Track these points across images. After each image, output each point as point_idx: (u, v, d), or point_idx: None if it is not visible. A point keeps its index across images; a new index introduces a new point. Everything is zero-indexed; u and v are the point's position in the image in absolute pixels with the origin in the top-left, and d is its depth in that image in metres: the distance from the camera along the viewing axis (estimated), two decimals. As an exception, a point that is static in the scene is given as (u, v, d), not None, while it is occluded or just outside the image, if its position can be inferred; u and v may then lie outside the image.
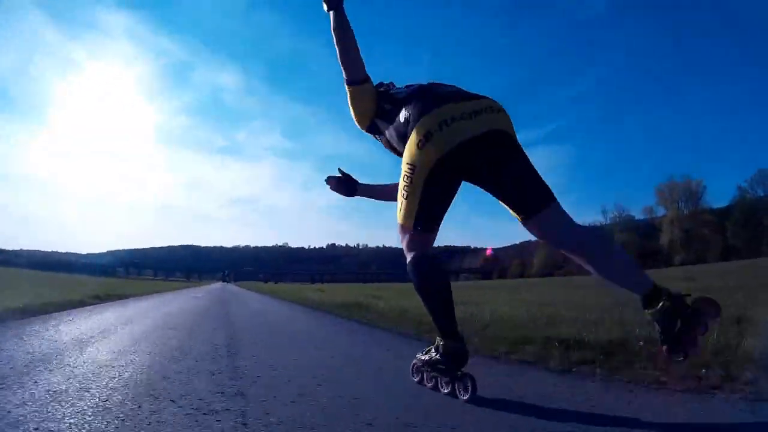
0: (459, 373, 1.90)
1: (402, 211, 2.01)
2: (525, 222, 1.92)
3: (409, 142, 1.93)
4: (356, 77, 2.14)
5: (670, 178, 65.96)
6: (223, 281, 61.30)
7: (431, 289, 2.03)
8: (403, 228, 2.03)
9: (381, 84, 2.28)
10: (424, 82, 2.15)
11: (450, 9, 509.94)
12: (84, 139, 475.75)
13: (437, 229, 2.08)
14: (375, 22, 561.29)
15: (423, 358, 2.10)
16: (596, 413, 1.60)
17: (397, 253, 2.17)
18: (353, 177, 2.53)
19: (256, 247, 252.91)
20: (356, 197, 2.56)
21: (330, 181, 2.51)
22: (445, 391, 1.94)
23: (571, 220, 1.90)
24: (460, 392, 1.86)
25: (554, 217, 1.89)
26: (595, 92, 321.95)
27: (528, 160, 1.93)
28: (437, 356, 2.00)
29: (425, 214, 1.98)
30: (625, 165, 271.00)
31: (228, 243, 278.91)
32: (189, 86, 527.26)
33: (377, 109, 2.19)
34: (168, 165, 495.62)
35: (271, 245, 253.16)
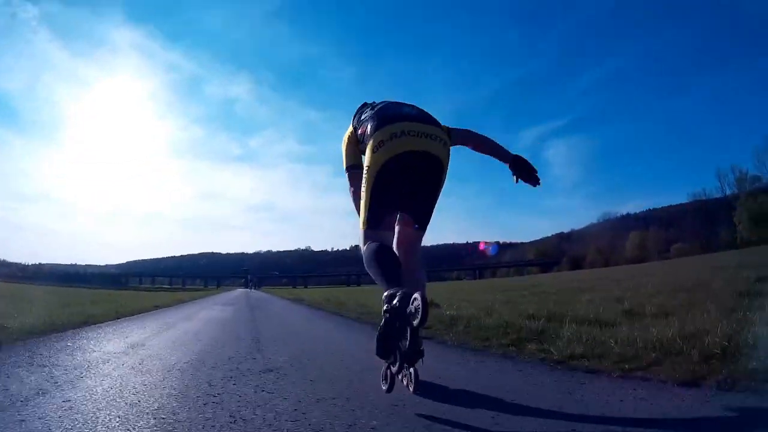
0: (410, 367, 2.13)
1: (361, 209, 2.44)
2: (405, 228, 2.56)
3: (367, 149, 2.40)
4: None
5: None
6: (246, 287, 53.91)
7: (374, 261, 2.28)
8: (362, 226, 2.44)
9: (364, 104, 2.81)
10: (392, 101, 2.66)
11: (456, 13, 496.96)
12: (97, 156, 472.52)
13: (387, 228, 2.48)
14: (388, 22, 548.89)
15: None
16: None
17: (425, 251, 2.75)
18: None
19: (278, 252, 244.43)
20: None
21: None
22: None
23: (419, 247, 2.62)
24: (408, 385, 2.09)
25: (418, 239, 2.57)
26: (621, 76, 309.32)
27: (438, 193, 2.49)
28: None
29: (375, 210, 2.38)
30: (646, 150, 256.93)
31: (249, 249, 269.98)
32: (201, 98, 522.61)
33: (359, 144, 2.66)
34: (184, 176, 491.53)
35: (293, 249, 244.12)
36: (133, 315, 7.91)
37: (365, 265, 2.35)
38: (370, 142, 2.38)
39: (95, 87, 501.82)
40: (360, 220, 2.45)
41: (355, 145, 2.68)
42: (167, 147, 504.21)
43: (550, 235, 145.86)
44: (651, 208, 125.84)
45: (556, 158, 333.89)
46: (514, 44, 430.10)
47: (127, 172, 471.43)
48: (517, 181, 2.65)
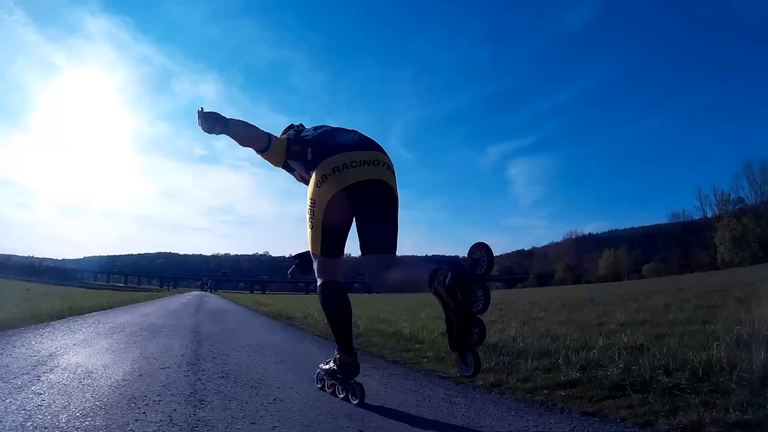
0: (352, 381, 2.42)
1: (310, 240, 2.49)
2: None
3: (310, 181, 2.43)
4: (262, 147, 2.63)
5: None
6: (202, 290, 50.98)
7: (333, 311, 2.54)
8: (314, 255, 2.52)
9: (291, 126, 2.79)
10: (331, 126, 2.64)
11: (430, 28, 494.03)
12: (61, 145, 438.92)
13: (342, 254, 2.55)
14: (360, 32, 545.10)
15: (324, 367, 2.61)
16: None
17: None
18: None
19: (237, 255, 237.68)
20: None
21: (293, 274, 2.89)
22: (341, 396, 2.45)
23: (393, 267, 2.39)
24: (351, 397, 2.37)
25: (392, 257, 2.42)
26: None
27: (396, 213, 2.48)
28: (335, 366, 2.50)
29: (328, 241, 2.44)
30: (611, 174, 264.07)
31: (207, 251, 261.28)
32: (169, 94, 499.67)
33: (287, 153, 2.64)
34: (146, 172, 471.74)
35: (251, 253, 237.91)
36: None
37: (323, 305, 2.59)
38: (314, 175, 2.41)
39: (66, 74, 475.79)
40: (310, 245, 2.52)
41: (283, 153, 2.67)
42: (131, 141, 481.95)
43: (510, 251, 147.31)
44: (613, 229, 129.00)
45: (519, 177, 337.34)
46: (484, 62, 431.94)
47: (90, 163, 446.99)
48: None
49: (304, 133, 2.63)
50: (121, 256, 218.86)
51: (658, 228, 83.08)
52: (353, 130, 2.59)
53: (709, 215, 60.21)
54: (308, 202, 2.44)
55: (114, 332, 5.27)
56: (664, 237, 71.77)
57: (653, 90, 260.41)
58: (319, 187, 2.36)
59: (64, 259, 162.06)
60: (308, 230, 2.47)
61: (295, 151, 2.58)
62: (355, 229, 2.47)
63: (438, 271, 1.98)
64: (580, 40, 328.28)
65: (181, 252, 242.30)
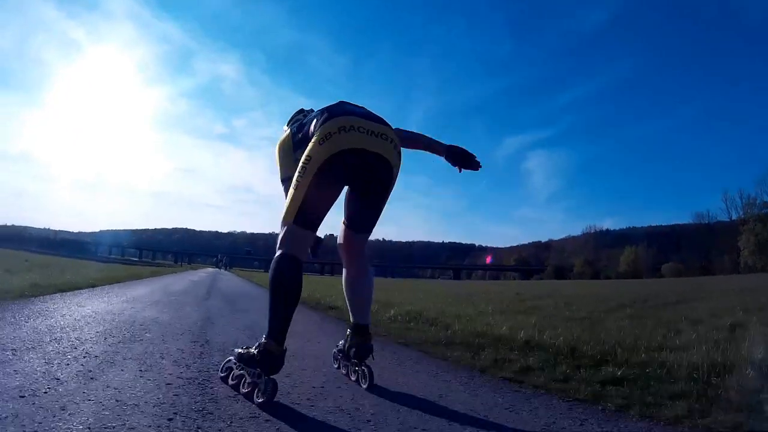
0: (265, 377, 1.99)
1: (288, 203, 2.21)
2: (348, 230, 2.48)
3: (312, 140, 2.22)
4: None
5: None
6: (217, 267, 51.47)
7: (282, 289, 2.13)
8: (285, 221, 2.21)
9: (301, 111, 2.77)
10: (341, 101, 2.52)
11: (452, 17, 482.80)
12: (80, 121, 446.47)
13: (315, 230, 2.27)
14: (383, 19, 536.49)
15: (240, 351, 2.16)
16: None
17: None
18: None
19: (253, 234, 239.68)
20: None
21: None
22: (244, 391, 2.03)
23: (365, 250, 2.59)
24: (257, 394, 1.96)
25: (363, 242, 2.53)
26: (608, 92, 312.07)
27: (387, 197, 2.39)
28: (255, 353, 2.06)
29: (306, 208, 2.17)
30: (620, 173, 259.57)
31: (223, 228, 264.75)
32: (190, 72, 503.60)
33: (294, 146, 2.54)
34: (164, 149, 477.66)
35: (267, 232, 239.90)
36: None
37: (272, 278, 2.14)
38: (317, 134, 2.23)
39: (86, 50, 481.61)
40: (285, 210, 2.24)
41: (291, 152, 2.56)
42: (151, 118, 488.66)
43: (526, 243, 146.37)
44: (631, 226, 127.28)
45: (537, 169, 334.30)
46: (505, 54, 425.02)
47: (108, 139, 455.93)
48: (460, 171, 2.67)
49: (307, 118, 2.55)
50: (137, 230, 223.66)
51: (677, 227, 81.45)
52: (361, 106, 2.49)
53: (734, 218, 58.80)
54: (303, 159, 2.21)
55: (41, 343, 2.74)
56: (686, 237, 70.36)
57: (674, 88, 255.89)
58: (320, 144, 2.18)
59: (80, 232, 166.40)
60: (291, 191, 2.22)
61: (300, 139, 2.49)
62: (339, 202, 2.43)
63: (357, 333, 2.54)
64: (601, 37, 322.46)
65: (197, 228, 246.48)
